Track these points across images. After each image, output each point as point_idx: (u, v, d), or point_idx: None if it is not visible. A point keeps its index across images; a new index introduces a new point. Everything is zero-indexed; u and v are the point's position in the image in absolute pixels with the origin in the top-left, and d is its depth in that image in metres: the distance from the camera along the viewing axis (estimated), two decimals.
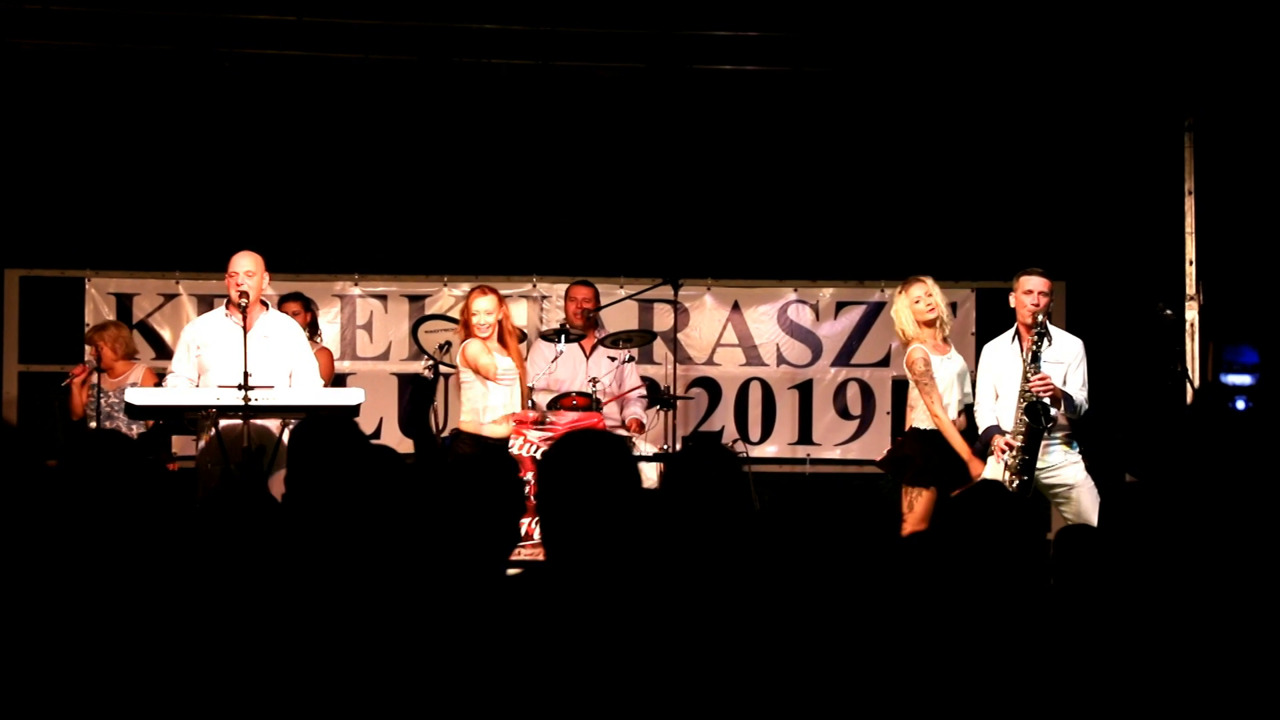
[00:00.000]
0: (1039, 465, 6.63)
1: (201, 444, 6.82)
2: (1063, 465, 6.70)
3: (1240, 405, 8.30)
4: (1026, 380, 6.60)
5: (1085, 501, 6.60)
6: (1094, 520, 5.92)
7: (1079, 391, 6.71)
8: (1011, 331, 6.86)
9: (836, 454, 9.60)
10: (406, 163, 9.48)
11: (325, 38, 8.94)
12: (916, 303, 6.89)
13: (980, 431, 6.83)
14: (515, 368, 7.49)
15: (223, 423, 6.55)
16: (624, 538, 2.82)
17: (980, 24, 8.85)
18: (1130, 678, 2.72)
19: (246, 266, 6.76)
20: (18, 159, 9.22)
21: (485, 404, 7.41)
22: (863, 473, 9.10)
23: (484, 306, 7.37)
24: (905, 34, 8.98)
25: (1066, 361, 6.73)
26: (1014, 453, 6.57)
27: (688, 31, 9.10)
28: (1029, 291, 6.73)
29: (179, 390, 6.71)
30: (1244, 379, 8.60)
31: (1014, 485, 6.51)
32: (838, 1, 8.89)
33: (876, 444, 9.47)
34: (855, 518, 2.97)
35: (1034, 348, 6.63)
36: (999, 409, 6.75)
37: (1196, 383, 8.63)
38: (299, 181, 9.40)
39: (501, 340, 7.46)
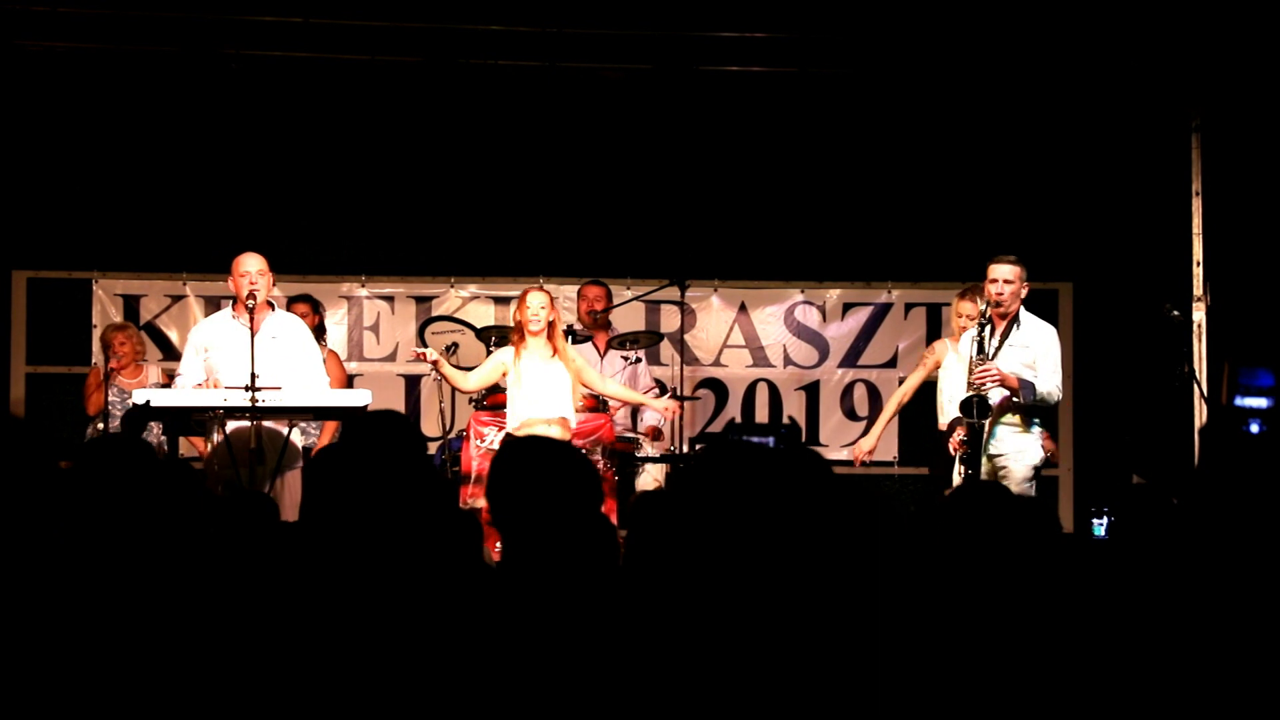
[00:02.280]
0: (991, 451, 6.62)
1: (210, 446, 6.86)
2: (1005, 443, 6.65)
3: (1255, 429, 8.25)
4: (971, 371, 6.60)
5: (1014, 475, 6.58)
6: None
7: (1047, 378, 6.64)
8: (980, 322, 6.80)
9: (843, 455, 9.57)
10: (413, 164, 9.48)
11: (331, 39, 8.93)
12: None
13: (949, 421, 6.83)
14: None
15: (231, 425, 6.57)
16: (577, 541, 2.83)
17: (986, 24, 8.83)
18: (1136, 681, 2.72)
19: (257, 266, 6.73)
20: (25, 160, 9.23)
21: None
22: (869, 474, 9.09)
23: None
24: (911, 35, 8.97)
25: (1033, 348, 6.68)
26: (962, 449, 6.58)
27: (694, 33, 9.09)
28: (993, 280, 6.70)
29: (186, 391, 6.71)
30: (1260, 402, 8.52)
31: (962, 478, 6.53)
32: (844, 3, 8.88)
33: (883, 445, 9.45)
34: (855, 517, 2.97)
35: (979, 338, 6.62)
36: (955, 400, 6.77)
37: (1204, 384, 8.60)
38: (305, 183, 9.41)
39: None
